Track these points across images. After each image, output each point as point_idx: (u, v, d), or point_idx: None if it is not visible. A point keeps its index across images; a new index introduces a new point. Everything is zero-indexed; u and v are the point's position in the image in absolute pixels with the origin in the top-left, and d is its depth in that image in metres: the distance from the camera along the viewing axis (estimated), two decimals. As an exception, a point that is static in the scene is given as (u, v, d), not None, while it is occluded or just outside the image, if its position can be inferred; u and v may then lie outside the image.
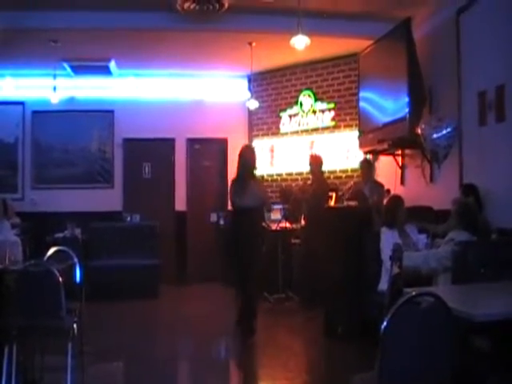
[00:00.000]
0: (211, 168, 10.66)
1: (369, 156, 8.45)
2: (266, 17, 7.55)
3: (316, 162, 8.23)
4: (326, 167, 8.82)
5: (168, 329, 7.30)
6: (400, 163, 7.89)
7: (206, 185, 10.59)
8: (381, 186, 7.78)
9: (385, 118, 7.43)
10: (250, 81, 10.09)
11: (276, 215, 8.62)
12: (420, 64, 6.83)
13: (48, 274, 4.20)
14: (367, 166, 7.95)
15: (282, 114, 10.04)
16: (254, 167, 6.72)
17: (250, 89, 9.98)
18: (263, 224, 7.09)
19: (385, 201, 6.64)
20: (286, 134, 9.98)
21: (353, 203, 6.80)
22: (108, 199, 10.12)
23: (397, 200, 5.63)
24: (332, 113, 9.37)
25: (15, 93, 9.90)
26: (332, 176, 9.20)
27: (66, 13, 7.24)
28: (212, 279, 9.92)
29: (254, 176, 6.71)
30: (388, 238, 5.24)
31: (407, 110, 6.73)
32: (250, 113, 10.27)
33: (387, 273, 4.92)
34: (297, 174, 9.58)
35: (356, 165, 8.64)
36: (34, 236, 7.75)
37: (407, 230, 5.45)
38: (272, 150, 10.09)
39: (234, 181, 6.77)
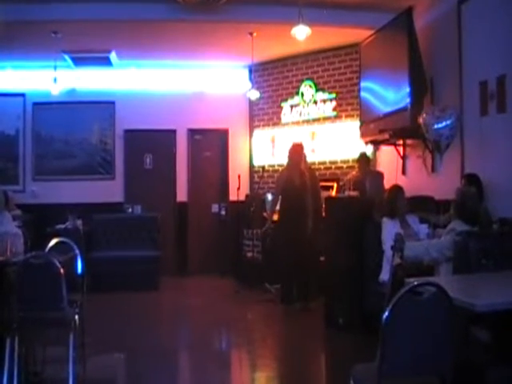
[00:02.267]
0: (212, 159, 10.63)
1: (369, 146, 8.44)
2: (267, 7, 7.52)
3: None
4: (327, 157, 9.21)
5: (169, 320, 7.34)
6: (401, 153, 7.86)
7: (208, 176, 10.57)
8: (380, 174, 7.80)
9: (386, 108, 7.41)
10: (250, 71, 10.07)
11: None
12: (421, 54, 6.80)
13: (49, 266, 4.20)
14: (364, 160, 7.95)
15: (283, 105, 10.00)
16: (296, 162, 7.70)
17: (250, 79, 9.96)
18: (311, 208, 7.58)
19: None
20: (287, 124, 9.95)
21: (354, 193, 6.81)
22: (109, 190, 10.11)
23: (397, 190, 5.61)
24: (333, 103, 9.32)
25: (16, 84, 9.88)
26: (333, 166, 9.20)
27: (66, 4, 7.22)
28: (213, 271, 9.94)
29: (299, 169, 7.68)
30: (389, 228, 5.23)
31: (408, 100, 6.70)
32: (251, 103, 10.24)
33: (388, 263, 4.92)
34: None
35: (357, 155, 8.61)
36: (35, 228, 7.73)
37: (408, 220, 5.44)
38: (273, 141, 10.06)
39: None
